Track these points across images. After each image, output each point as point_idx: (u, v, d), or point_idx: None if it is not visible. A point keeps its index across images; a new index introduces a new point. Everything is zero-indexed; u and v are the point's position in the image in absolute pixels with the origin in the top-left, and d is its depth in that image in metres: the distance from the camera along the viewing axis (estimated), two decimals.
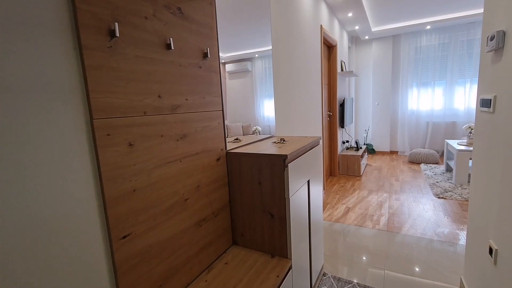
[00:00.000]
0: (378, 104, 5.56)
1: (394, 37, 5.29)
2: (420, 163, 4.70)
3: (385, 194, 3.30)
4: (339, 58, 4.13)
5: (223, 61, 1.36)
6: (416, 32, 5.03)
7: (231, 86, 1.44)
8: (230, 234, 1.40)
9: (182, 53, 1.07)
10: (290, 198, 1.23)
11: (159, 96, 0.97)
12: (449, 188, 3.32)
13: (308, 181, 1.53)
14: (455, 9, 4.17)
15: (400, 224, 2.51)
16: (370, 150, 5.61)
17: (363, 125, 5.88)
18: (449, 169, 4.08)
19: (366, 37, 5.27)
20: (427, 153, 4.66)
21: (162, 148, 0.98)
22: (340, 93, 4.32)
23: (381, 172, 4.28)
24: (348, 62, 5.14)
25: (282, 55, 2.08)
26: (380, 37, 5.34)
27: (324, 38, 3.44)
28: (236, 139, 1.55)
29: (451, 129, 5.06)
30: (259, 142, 1.59)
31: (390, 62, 5.33)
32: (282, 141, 1.58)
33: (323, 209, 2.97)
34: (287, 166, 1.21)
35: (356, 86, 5.79)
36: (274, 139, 1.69)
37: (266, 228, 1.30)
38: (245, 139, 1.58)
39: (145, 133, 0.92)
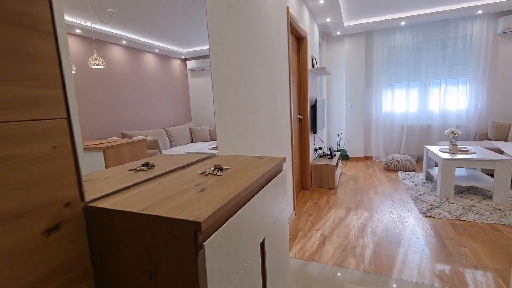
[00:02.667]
0: (351, 106, 5.14)
1: (367, 34, 4.90)
2: (397, 171, 4.32)
3: (365, 214, 2.77)
4: (309, 52, 3.58)
5: (183, 56, 1.07)
6: (389, 29, 4.67)
7: (195, 85, 1.15)
8: None
9: None
10: None
11: None
12: (435, 203, 2.89)
13: (263, 241, 0.86)
14: (430, 4, 3.82)
15: (390, 260, 1.95)
16: (344, 156, 5.16)
17: (336, 129, 5.43)
18: (429, 178, 3.71)
19: (338, 33, 4.82)
20: (403, 159, 4.29)
21: None
22: (311, 94, 3.76)
23: (357, 183, 3.79)
24: (320, 60, 4.64)
25: (229, 40, 1.41)
26: (353, 34, 4.92)
27: (292, 26, 2.83)
28: (146, 164, 0.84)
29: (427, 133, 4.77)
30: (175, 174, 0.89)
31: (363, 61, 4.93)
32: (216, 171, 0.89)
33: (294, 239, 2.34)
34: (202, 247, 0.53)
35: (328, 86, 5.33)
36: (205, 168, 1.00)
37: None
38: (163, 164, 0.88)
39: None
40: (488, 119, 4.40)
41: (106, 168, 0.72)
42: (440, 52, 4.46)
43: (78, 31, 0.65)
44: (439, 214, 2.63)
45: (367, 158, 5.26)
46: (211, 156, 1.18)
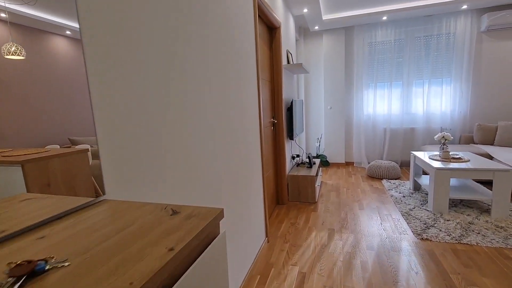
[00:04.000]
0: (331, 108, 4.74)
1: (347, 30, 4.52)
2: (381, 179, 3.94)
3: (351, 237, 2.31)
4: (284, 46, 3.09)
5: None
6: (370, 25, 4.32)
7: None
8: None
9: None
10: None
11: None
12: (429, 221, 2.49)
13: None
14: None
15: None
16: (324, 163, 4.74)
17: (315, 133, 5.00)
18: (417, 188, 3.35)
19: (316, 28, 4.39)
20: (388, 166, 3.93)
21: None
22: (287, 94, 3.27)
23: (340, 195, 3.35)
24: (296, 58, 4.18)
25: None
26: (332, 29, 4.51)
27: (261, 11, 2.31)
28: None
29: (410, 137, 4.46)
30: None
31: (342, 59, 4.54)
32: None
33: (264, 280, 1.80)
34: None
35: (306, 87, 4.89)
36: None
37: None
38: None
39: None
40: (473, 121, 4.16)
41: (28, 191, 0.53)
42: (423, 51, 4.17)
43: None
44: (436, 236, 2.22)
45: (348, 164, 4.87)
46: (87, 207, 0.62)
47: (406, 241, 2.19)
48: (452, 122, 4.16)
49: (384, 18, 4.05)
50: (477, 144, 3.88)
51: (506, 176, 2.42)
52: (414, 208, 2.79)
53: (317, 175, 3.45)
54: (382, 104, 4.47)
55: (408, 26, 4.16)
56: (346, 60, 4.60)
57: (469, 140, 4.02)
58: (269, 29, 2.84)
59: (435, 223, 2.44)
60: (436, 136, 2.99)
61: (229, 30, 1.54)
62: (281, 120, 2.95)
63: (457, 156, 2.82)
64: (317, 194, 3.20)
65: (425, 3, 3.72)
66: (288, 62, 3.25)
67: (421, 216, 2.59)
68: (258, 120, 2.11)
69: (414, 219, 2.54)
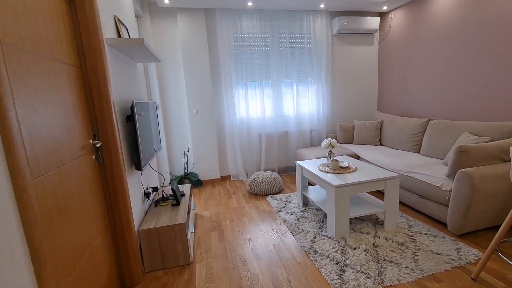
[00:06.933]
0: (197, 112, 3.70)
1: (208, 13, 3.60)
2: (265, 195, 3.31)
3: None
4: (108, 8, 1.71)
5: None
6: (234, 11, 3.58)
7: None
8: None
9: None
10: None
11: None
12: (339, 256, 1.94)
13: None
14: None
15: None
16: (196, 183, 3.66)
17: (180, 146, 3.81)
18: (305, 202, 2.90)
19: (166, 2, 3.18)
20: (270, 179, 3.35)
21: None
22: (121, 92, 1.92)
23: (223, 236, 2.37)
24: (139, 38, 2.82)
25: None
26: (188, 9, 3.45)
27: None
28: None
29: (284, 141, 4.14)
30: None
31: (206, 50, 3.59)
32: None
33: None
34: None
35: (162, 84, 3.61)
36: None
37: None
38: None
39: None
40: (335, 122, 4.31)
41: None
42: (289, 49, 3.88)
43: None
44: (358, 285, 1.64)
45: (224, 179, 4.03)
46: None
47: None
48: (318, 124, 4.14)
49: (250, 4, 3.42)
50: (341, 143, 3.99)
51: (395, 183, 2.22)
52: (315, 237, 2.22)
53: (189, 212, 2.32)
54: (255, 106, 3.90)
55: (273, 20, 3.75)
56: (211, 51, 3.69)
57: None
58: None
59: (346, 258, 1.91)
60: (323, 144, 2.57)
61: None
62: (114, 139, 1.60)
63: (346, 165, 2.49)
64: (191, 249, 2.07)
65: None
66: (120, 36, 1.90)
67: (328, 250, 2.02)
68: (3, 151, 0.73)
69: (323, 258, 1.92)
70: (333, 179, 2.19)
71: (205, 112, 3.71)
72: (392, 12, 3.91)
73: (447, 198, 2.16)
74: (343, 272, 1.77)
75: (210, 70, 3.72)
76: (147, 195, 2.16)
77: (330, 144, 2.52)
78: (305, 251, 2.06)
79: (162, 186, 2.55)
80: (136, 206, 1.92)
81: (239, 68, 3.75)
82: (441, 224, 2.34)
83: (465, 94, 2.96)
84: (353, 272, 1.76)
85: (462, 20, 2.92)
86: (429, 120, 3.18)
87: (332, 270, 1.80)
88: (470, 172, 1.99)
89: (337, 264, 1.86)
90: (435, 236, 2.13)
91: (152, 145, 2.21)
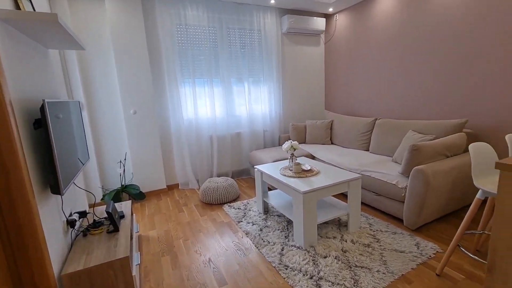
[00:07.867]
0: (135, 113, 3.15)
1: None
2: (222, 204, 3.01)
3: None
4: None
5: None
6: None
7: None
8: None
9: None
10: None
11: None
12: (311, 269, 1.79)
13: None
14: None
15: None
16: (136, 196, 3.12)
17: (114, 155, 3.20)
18: (266, 209, 2.71)
19: None
20: (225, 185, 3.06)
21: None
22: (24, 88, 1.38)
23: (177, 262, 1.99)
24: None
25: None
26: None
27: None
28: None
29: (237, 143, 3.89)
30: None
31: (143, 41, 3.07)
32: None
33: None
34: None
35: (86, 78, 2.95)
36: None
37: None
38: None
39: None
40: (287, 121, 4.24)
41: None
42: (239, 46, 3.63)
43: None
44: None
45: (171, 188, 3.56)
46: None
47: None
48: (271, 124, 4.02)
49: None
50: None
51: (357, 184, 2.20)
52: (283, 249, 2.03)
53: (131, 238, 1.89)
54: (205, 106, 3.54)
55: (222, 13, 3.44)
56: (150, 42, 3.18)
57: (287, 140, 4.04)
58: None
59: (320, 271, 1.77)
60: (284, 146, 2.41)
61: None
62: (12, 155, 1.10)
63: (308, 168, 2.38)
64: (137, 282, 1.65)
65: None
66: (19, 8, 1.35)
67: (299, 263, 1.85)
68: None
69: (296, 274, 1.75)
70: (299, 184, 2.04)
71: (145, 113, 3.18)
72: (337, 14, 4.03)
73: (402, 195, 2.23)
74: (319, 287, 1.62)
75: (150, 64, 3.21)
76: (71, 223, 1.64)
77: (292, 146, 2.37)
78: (274, 267, 1.85)
79: (94, 207, 2.02)
80: (55, 242, 1.41)
81: (185, 63, 3.34)
82: (397, 220, 2.42)
83: (408, 95, 3.19)
84: (329, 286, 1.63)
85: (403, 25, 3.14)
86: (376, 119, 3.35)
87: (307, 286, 1.63)
88: (424, 169, 2.07)
89: (311, 278, 1.71)
90: (395, 233, 2.17)
91: (77, 157, 1.69)
